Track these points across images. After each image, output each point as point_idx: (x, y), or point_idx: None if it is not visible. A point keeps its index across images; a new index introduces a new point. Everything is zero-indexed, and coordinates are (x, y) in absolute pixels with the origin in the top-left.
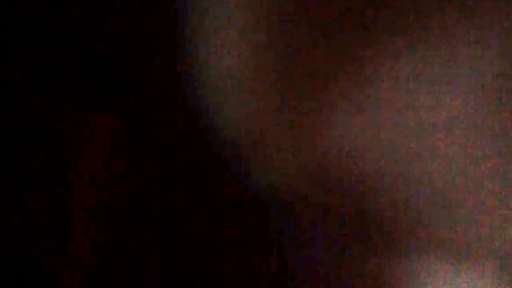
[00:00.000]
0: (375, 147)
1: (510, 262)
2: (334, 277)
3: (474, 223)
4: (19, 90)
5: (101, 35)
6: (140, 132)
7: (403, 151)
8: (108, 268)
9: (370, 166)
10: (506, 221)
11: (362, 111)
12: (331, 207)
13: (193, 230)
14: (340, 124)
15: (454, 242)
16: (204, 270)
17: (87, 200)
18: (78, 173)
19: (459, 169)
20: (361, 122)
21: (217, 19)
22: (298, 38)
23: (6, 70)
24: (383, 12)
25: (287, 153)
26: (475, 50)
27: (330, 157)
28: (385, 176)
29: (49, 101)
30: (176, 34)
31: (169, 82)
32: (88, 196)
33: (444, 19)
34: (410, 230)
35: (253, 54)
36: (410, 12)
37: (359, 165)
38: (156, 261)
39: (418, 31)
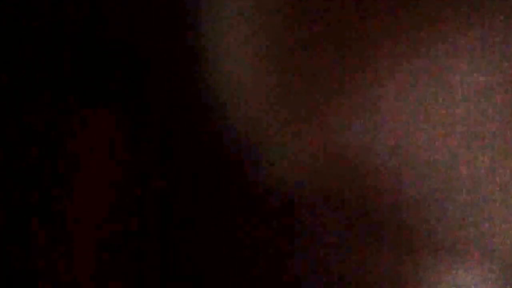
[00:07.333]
0: (377, 147)
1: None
2: (335, 275)
3: (475, 223)
4: (18, 92)
5: (109, 37)
6: (145, 133)
7: (404, 152)
8: (110, 271)
9: (372, 166)
10: (507, 221)
11: (364, 111)
12: (333, 205)
13: (196, 229)
14: (343, 125)
15: (454, 242)
16: (212, 269)
17: (88, 204)
18: (78, 176)
19: (460, 170)
20: (363, 123)
21: (224, 23)
22: (301, 41)
23: (6, 72)
24: (385, 15)
25: (291, 152)
26: (475, 51)
27: (333, 157)
28: (386, 176)
29: (50, 103)
30: (184, 37)
31: (175, 84)
32: (91, 200)
33: (444, 21)
34: (412, 230)
35: (257, 56)
36: (411, 15)
37: (361, 165)
38: (160, 263)
39: (418, 33)
